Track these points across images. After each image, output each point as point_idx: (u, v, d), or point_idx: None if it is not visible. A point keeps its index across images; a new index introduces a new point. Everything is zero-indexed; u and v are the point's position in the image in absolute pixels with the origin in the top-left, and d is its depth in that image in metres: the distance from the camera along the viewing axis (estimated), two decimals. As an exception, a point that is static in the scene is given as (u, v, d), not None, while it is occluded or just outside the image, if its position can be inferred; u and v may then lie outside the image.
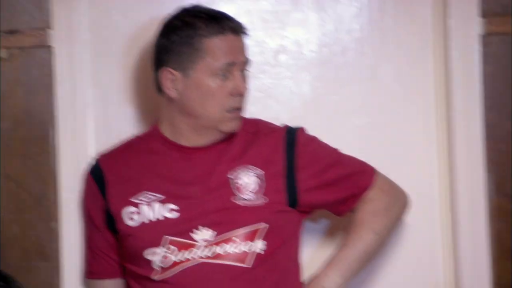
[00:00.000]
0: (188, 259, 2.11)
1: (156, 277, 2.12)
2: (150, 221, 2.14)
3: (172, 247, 2.11)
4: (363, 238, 2.20)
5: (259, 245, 2.12)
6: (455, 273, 2.43)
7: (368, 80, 2.47)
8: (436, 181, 2.46)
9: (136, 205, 2.16)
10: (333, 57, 2.46)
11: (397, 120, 2.47)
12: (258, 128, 2.25)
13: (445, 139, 2.45)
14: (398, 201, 2.30)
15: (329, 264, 2.19)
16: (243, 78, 2.16)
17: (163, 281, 2.11)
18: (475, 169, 2.42)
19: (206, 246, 2.10)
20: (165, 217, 2.13)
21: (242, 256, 2.11)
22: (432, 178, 2.47)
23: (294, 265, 2.21)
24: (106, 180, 2.20)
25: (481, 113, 2.41)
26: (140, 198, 2.16)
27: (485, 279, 2.41)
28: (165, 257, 2.11)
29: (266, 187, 2.16)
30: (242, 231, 2.12)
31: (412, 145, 2.47)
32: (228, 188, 2.14)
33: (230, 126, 2.16)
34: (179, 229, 2.11)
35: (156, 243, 2.11)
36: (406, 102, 2.47)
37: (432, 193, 2.47)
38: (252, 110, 2.31)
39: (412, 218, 2.39)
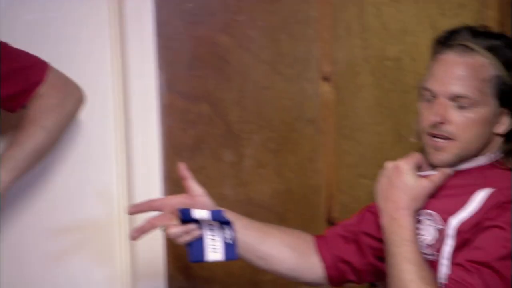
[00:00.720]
0: None
1: None
2: None
3: None
4: (32, 136, 2.16)
5: None
6: (127, 169, 2.47)
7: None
8: (110, 78, 2.46)
9: None
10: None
11: (70, 16, 2.42)
12: None
13: (118, 36, 2.44)
14: (71, 96, 2.27)
15: (-4, 162, 2.15)
16: None
17: None
18: (147, 66, 2.46)
19: None
20: None
21: None
22: (106, 74, 2.46)
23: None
24: None
25: (152, 11, 2.43)
26: None
27: (156, 174, 2.48)
28: None
29: None
30: None
31: (85, 41, 2.44)
32: None
33: None
34: None
35: None
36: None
37: (106, 90, 2.46)
38: None
39: (85, 114, 2.38)
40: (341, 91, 2.54)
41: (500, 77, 1.83)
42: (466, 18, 2.45)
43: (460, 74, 1.83)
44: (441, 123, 1.83)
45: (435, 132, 1.84)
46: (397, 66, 2.54)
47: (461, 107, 1.83)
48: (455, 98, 1.83)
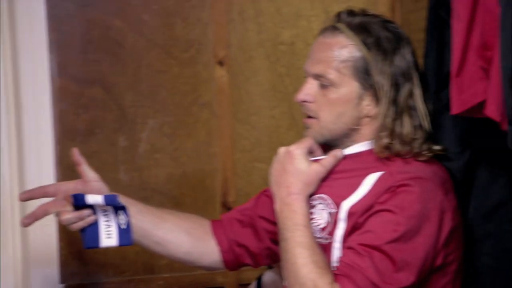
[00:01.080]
0: None
1: None
2: None
3: None
4: None
5: None
6: (19, 155, 2.42)
7: None
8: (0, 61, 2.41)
9: None
10: None
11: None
12: None
13: (7, 18, 2.39)
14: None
15: None
16: None
17: None
18: (39, 49, 2.43)
19: None
20: None
21: None
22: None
23: None
24: None
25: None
26: None
27: (49, 160, 2.45)
28: None
29: None
30: None
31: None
32: None
33: None
34: None
35: None
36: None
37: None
38: None
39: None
40: (236, 75, 2.54)
41: (362, 59, 1.86)
42: (358, 3, 2.48)
43: (321, 55, 1.87)
44: (304, 101, 1.88)
45: (304, 111, 1.90)
46: (291, 50, 2.56)
47: (323, 87, 1.87)
48: (317, 77, 1.87)
